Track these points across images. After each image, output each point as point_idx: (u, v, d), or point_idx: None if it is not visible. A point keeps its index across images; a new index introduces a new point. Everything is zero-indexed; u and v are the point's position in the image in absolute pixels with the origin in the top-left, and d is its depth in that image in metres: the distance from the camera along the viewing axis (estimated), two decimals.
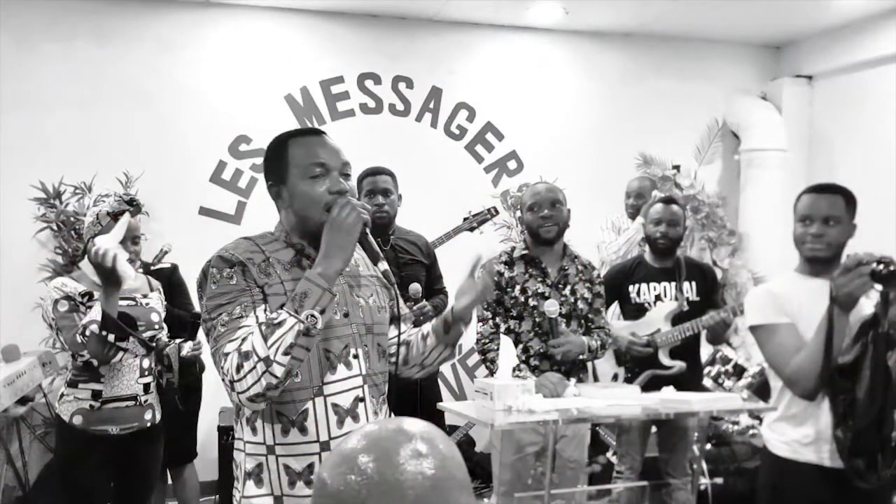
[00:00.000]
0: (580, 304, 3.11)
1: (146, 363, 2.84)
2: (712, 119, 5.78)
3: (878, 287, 2.01)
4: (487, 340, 3.04)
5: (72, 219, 4.41)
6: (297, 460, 1.63)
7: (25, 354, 3.78)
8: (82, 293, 2.73)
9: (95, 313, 2.58)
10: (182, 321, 3.38)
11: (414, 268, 3.39)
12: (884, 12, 5.01)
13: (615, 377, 3.46)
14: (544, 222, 3.09)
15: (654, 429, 3.52)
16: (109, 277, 2.56)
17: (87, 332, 2.58)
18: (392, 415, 1.80)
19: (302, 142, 1.71)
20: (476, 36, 5.34)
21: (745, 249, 5.56)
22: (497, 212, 4.37)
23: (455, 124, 5.29)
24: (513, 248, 3.22)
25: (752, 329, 2.33)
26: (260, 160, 2.22)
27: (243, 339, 1.54)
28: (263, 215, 2.07)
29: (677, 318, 3.39)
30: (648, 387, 3.09)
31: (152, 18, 4.75)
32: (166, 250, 3.85)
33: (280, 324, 1.51)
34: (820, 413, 2.18)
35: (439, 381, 3.92)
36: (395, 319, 1.84)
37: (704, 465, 3.96)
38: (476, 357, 4.25)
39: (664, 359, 3.37)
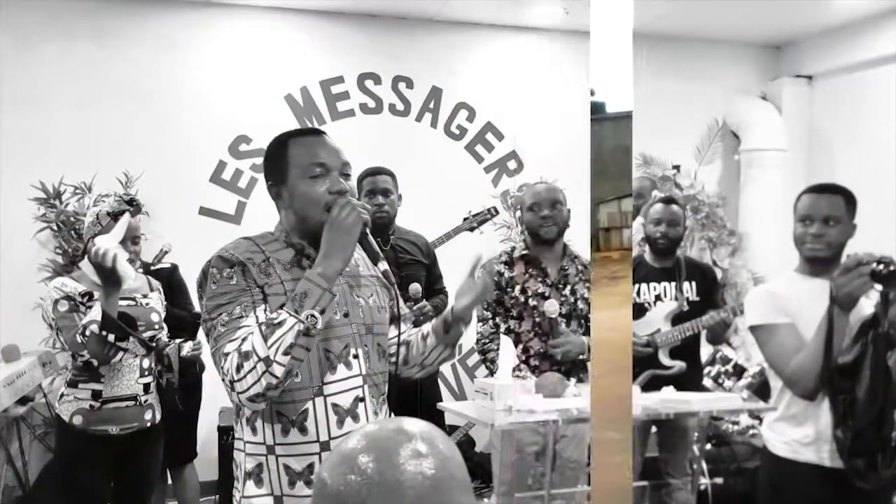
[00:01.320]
0: (580, 304, 3.11)
1: (146, 363, 2.84)
2: (712, 119, 5.77)
3: (878, 287, 2.00)
4: (487, 340, 3.04)
5: (72, 219, 4.40)
6: (297, 460, 1.63)
7: (25, 354, 3.78)
8: (82, 293, 2.73)
9: (95, 313, 2.58)
10: (182, 321, 3.38)
11: (414, 268, 3.39)
12: (884, 12, 5.01)
13: None
14: (544, 222, 3.09)
15: (654, 429, 3.52)
16: (109, 277, 2.55)
17: (87, 332, 2.58)
18: (392, 415, 1.80)
19: (302, 142, 1.71)
20: (476, 36, 5.33)
21: (745, 249, 5.56)
22: (497, 212, 4.36)
23: (455, 124, 5.29)
24: (513, 248, 3.22)
25: (752, 329, 2.33)
26: (260, 160, 2.22)
27: (243, 339, 1.53)
28: (263, 215, 2.07)
29: (677, 318, 3.38)
30: (648, 387, 3.09)
31: (152, 18, 4.75)
32: (166, 250, 3.85)
33: (280, 324, 1.51)
34: (820, 413, 2.18)
35: (439, 381, 3.92)
36: (395, 319, 1.83)
37: (704, 465, 3.96)
38: (476, 357, 4.24)
39: (664, 359, 3.37)
